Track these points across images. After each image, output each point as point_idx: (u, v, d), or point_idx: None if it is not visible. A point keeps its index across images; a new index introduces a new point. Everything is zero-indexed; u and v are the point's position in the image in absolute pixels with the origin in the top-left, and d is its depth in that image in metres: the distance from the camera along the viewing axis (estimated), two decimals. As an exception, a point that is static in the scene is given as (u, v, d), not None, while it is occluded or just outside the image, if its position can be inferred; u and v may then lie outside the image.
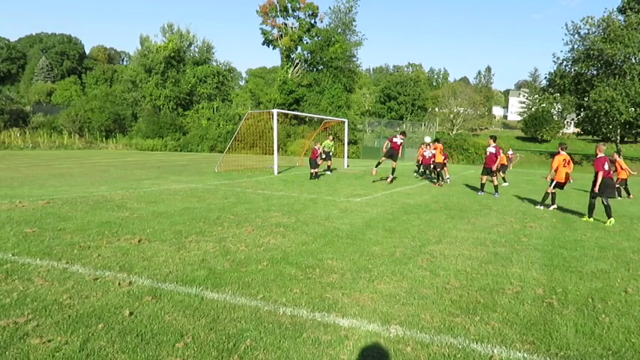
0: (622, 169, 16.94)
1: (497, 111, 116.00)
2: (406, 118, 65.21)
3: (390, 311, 4.71)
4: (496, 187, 15.72)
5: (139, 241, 7.11)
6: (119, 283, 5.17)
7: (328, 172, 22.33)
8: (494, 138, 16.09)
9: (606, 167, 11.10)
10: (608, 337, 4.29)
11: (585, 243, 8.43)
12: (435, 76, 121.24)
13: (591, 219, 11.18)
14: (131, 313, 4.37)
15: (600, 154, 11.24)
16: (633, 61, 44.36)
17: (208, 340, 3.90)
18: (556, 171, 12.89)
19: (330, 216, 10.19)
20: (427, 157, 19.63)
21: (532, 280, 5.93)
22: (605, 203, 11.04)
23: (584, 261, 7.06)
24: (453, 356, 3.82)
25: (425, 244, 7.81)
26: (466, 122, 74.05)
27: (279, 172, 20.89)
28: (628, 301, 5.29)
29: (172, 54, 52.71)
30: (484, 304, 5.03)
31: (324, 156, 21.44)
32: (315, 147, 19.98)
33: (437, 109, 77.56)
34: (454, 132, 66.68)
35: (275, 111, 22.42)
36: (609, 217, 10.90)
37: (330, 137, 23.55)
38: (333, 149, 23.32)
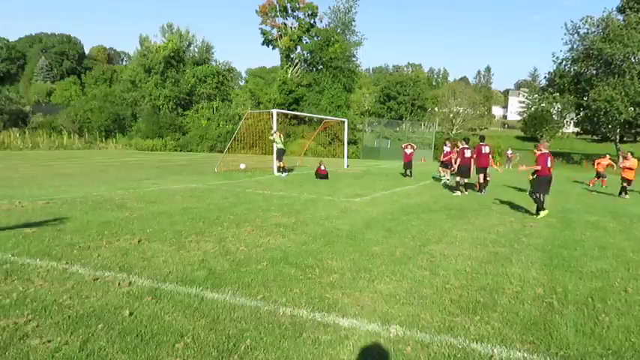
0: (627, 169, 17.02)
1: (497, 111, 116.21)
2: (406, 117, 65.16)
3: (390, 311, 4.71)
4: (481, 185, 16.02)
5: (138, 242, 7.11)
6: (119, 284, 5.17)
7: (282, 175, 20.02)
8: (481, 138, 16.75)
9: (549, 164, 11.35)
10: (608, 337, 4.29)
11: (585, 242, 8.43)
12: (435, 76, 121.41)
13: (542, 213, 11.21)
14: (131, 314, 4.37)
15: (544, 151, 11.48)
16: (632, 60, 44.33)
17: (208, 341, 3.90)
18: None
19: (330, 216, 10.19)
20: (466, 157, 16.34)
21: (532, 280, 5.93)
22: (541, 199, 11.29)
23: (584, 261, 7.06)
24: (453, 356, 3.82)
25: (425, 244, 7.81)
26: (466, 122, 74.15)
27: (278, 172, 20.86)
28: (628, 301, 5.29)
29: (172, 54, 52.59)
30: (484, 303, 5.03)
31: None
32: (321, 166, 19.66)
33: (437, 109, 77.59)
34: (454, 131, 66.75)
35: (275, 111, 22.41)
36: (538, 211, 11.28)
37: (273, 130, 20.89)
38: (281, 144, 20.50)
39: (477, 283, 5.74)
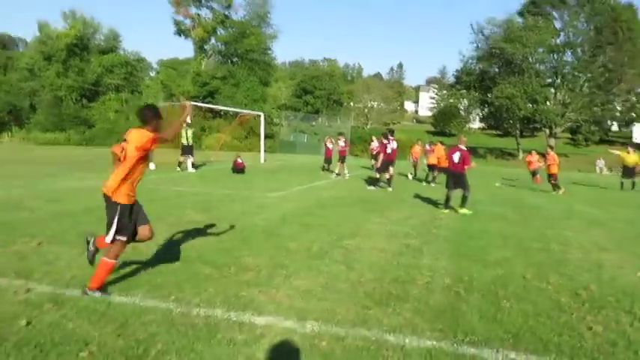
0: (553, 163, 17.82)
1: (409, 106, 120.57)
2: (322, 112, 65.78)
3: (307, 307, 4.72)
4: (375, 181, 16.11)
5: (38, 244, 6.60)
6: (15, 291, 4.76)
7: (192, 170, 19.58)
8: (390, 132, 16.65)
9: (455, 159, 11.31)
10: (508, 321, 4.57)
11: (490, 233, 8.95)
12: (350, 71, 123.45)
13: (447, 211, 11.30)
14: (29, 323, 4.04)
15: (461, 147, 11.47)
16: (530, 60, 47.81)
17: (116, 347, 3.70)
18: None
19: (246, 212, 10.07)
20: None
21: (441, 270, 6.20)
22: (448, 195, 11.38)
23: (488, 250, 7.49)
24: (366, 348, 3.89)
25: (340, 238, 7.92)
26: (380, 116, 76.31)
27: (192, 168, 20.28)
28: (526, 287, 5.67)
29: (75, 41, 49.42)
30: (397, 295, 5.18)
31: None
32: (238, 160, 19.47)
33: (352, 104, 79.10)
34: (368, 126, 68.49)
35: (188, 103, 21.67)
36: (445, 205, 11.44)
37: (187, 122, 19.24)
38: (185, 140, 19.54)
39: (390, 275, 5.90)
